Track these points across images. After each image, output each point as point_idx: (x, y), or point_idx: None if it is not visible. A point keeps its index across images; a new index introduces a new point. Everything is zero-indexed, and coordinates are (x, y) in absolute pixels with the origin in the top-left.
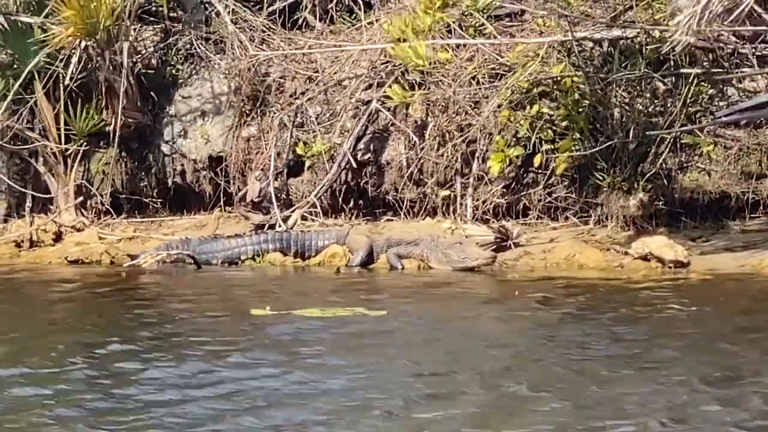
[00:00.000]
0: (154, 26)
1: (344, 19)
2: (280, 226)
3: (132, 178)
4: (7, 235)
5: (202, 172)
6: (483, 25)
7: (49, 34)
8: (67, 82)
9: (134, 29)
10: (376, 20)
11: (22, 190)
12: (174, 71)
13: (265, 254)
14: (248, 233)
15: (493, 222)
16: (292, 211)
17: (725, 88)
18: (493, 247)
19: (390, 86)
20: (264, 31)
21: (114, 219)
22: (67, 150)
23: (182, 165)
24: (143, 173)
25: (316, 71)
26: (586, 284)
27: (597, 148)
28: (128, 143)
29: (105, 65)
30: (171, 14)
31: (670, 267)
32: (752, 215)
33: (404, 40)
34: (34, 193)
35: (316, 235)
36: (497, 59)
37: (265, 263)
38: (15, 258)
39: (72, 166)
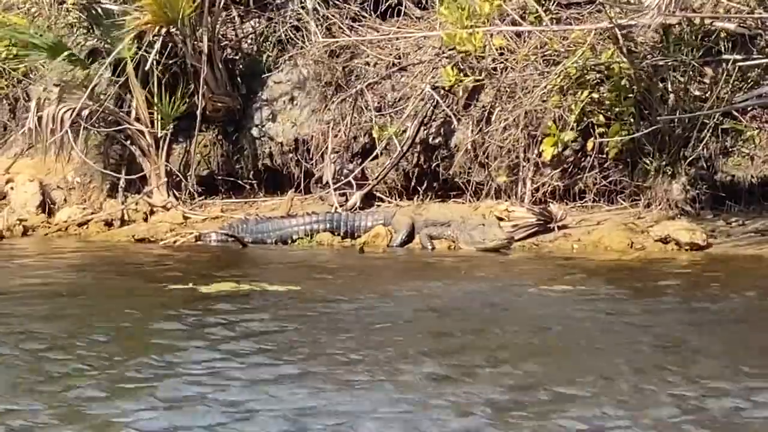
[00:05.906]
0: (248, 13)
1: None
2: (334, 207)
3: (228, 160)
4: (99, 215)
5: (289, 154)
6: (545, 11)
7: (130, 21)
8: (148, 67)
9: (226, 16)
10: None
11: (113, 174)
12: (266, 57)
13: (315, 234)
14: (301, 214)
15: (551, 204)
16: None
17: None
18: (534, 229)
19: (445, 69)
20: (353, 19)
21: (211, 200)
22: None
23: (270, 148)
24: (237, 155)
25: (399, 57)
26: (574, 264)
27: (641, 133)
28: (225, 126)
29: (188, 52)
30: (264, 1)
31: (686, 249)
32: None
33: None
34: (127, 176)
35: (364, 216)
36: (551, 46)
37: (314, 243)
38: (94, 235)
39: (163, 148)
